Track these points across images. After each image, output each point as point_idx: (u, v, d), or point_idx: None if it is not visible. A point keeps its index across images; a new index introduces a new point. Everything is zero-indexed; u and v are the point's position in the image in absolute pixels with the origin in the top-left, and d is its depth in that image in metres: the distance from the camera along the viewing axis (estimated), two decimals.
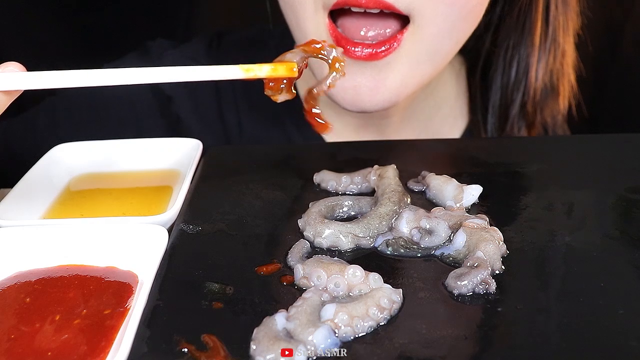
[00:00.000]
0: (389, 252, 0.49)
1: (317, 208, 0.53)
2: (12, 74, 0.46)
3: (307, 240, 0.50)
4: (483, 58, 0.84)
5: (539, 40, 0.79)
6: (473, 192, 0.54)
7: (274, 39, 0.88)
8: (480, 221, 0.49)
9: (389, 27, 0.67)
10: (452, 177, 0.55)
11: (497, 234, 0.48)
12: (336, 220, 0.52)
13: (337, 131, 0.84)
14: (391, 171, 0.56)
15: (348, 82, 0.66)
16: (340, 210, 0.54)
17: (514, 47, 0.80)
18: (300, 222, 0.52)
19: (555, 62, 0.81)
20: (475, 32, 0.81)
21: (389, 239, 0.49)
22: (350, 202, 0.54)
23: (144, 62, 0.77)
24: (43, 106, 0.88)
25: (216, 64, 0.48)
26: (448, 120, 0.87)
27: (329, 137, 0.84)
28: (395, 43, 0.65)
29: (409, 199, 0.54)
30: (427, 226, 0.49)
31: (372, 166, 0.57)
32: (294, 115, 0.84)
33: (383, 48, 0.65)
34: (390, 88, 0.68)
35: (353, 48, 0.65)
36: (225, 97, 0.86)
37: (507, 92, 0.83)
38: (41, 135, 0.86)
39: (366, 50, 0.65)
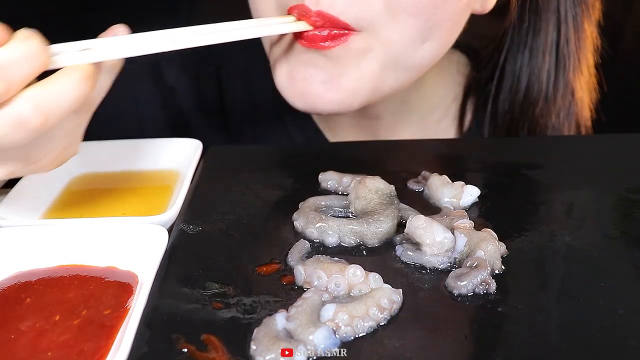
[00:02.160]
0: (400, 251, 0.48)
1: (311, 206, 0.52)
2: (121, 38, 0.46)
3: (309, 238, 0.50)
4: (488, 66, 0.83)
5: (548, 52, 0.78)
6: (471, 193, 0.54)
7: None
8: (468, 222, 0.49)
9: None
10: (452, 177, 0.55)
11: (492, 234, 0.48)
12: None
13: (333, 131, 0.84)
14: (362, 186, 0.53)
15: (299, 73, 0.63)
16: (331, 210, 0.54)
17: (521, 57, 0.79)
18: (297, 223, 0.51)
19: (565, 75, 0.79)
20: (482, 42, 0.80)
21: (403, 235, 0.49)
22: (342, 202, 0.54)
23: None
24: None
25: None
26: (444, 123, 0.87)
27: (328, 137, 0.84)
28: (343, 38, 0.61)
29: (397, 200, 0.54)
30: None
31: (372, 166, 0.57)
32: (296, 115, 0.84)
33: (327, 42, 0.60)
34: (345, 87, 0.62)
35: (305, 33, 0.61)
36: (227, 92, 0.86)
37: (509, 101, 0.81)
38: None
39: (311, 36, 0.60)
